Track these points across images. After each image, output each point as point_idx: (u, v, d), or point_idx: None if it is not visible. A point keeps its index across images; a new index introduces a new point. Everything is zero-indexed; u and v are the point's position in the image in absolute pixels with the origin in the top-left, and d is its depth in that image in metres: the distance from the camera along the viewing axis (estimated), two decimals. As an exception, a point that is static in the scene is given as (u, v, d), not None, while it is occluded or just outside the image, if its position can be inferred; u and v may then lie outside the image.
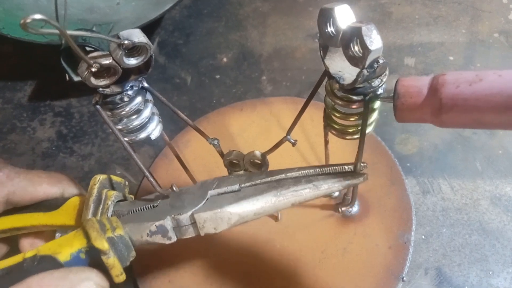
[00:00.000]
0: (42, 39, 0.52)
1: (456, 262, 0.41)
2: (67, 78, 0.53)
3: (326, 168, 0.31)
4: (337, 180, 0.30)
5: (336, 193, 0.44)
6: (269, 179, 0.31)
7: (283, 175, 0.31)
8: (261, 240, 0.43)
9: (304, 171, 0.31)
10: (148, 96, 0.33)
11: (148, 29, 0.58)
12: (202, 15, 0.62)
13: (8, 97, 0.58)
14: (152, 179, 0.31)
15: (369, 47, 0.22)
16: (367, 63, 0.23)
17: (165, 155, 0.50)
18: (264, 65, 0.57)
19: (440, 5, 0.60)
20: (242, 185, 0.31)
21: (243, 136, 0.50)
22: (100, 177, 0.32)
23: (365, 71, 0.24)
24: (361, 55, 0.23)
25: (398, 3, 0.60)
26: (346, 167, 0.30)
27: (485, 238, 0.41)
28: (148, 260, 0.43)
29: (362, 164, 0.30)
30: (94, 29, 0.57)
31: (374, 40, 0.22)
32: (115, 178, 0.33)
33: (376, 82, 0.26)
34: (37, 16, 0.20)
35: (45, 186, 0.33)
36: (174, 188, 0.31)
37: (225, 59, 0.58)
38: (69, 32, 0.23)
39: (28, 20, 0.20)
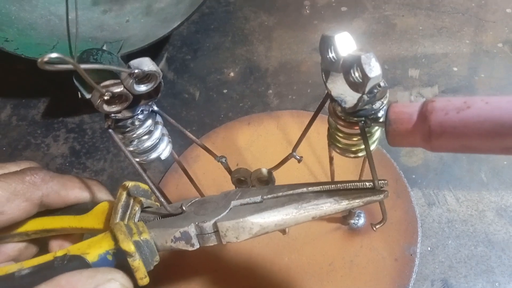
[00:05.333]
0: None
1: (462, 274, 0.41)
2: (80, 95, 0.54)
3: (347, 184, 0.31)
4: (357, 196, 0.30)
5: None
6: (290, 192, 0.32)
7: (304, 189, 0.32)
8: (269, 253, 0.44)
9: (326, 186, 0.31)
10: (158, 118, 0.34)
11: (157, 45, 0.59)
12: (209, 31, 0.64)
13: (23, 114, 0.60)
14: (162, 199, 0.32)
15: (368, 74, 0.23)
16: (367, 89, 0.24)
17: (175, 170, 0.51)
18: (270, 79, 0.58)
19: (444, 16, 0.60)
20: (264, 197, 0.32)
21: (251, 150, 0.51)
22: (129, 184, 0.34)
23: (365, 97, 0.25)
24: (361, 81, 0.24)
25: (402, 14, 0.61)
26: (366, 183, 0.30)
27: (491, 249, 0.42)
28: (155, 273, 0.44)
29: (382, 181, 0.30)
30: (104, 47, 0.58)
31: (373, 68, 0.23)
32: (142, 186, 0.35)
33: (377, 105, 0.27)
34: (53, 55, 0.22)
35: (76, 190, 0.34)
36: (184, 207, 0.32)
37: (232, 74, 0.59)
38: (82, 66, 0.24)
39: (45, 59, 0.21)
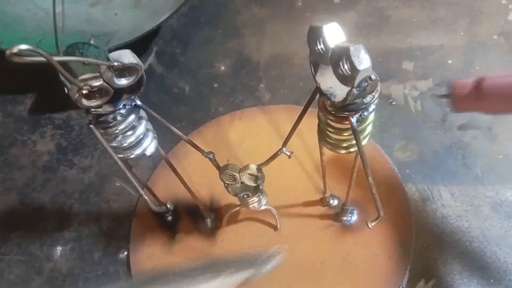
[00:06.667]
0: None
1: (457, 270, 0.40)
2: (66, 91, 0.53)
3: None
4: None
5: (335, 203, 0.44)
6: None
7: None
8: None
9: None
10: (142, 113, 0.33)
11: (146, 38, 0.58)
12: (199, 24, 0.62)
13: (9, 111, 0.58)
14: (146, 198, 0.31)
15: (358, 67, 0.22)
16: (356, 82, 0.23)
17: (164, 166, 0.50)
18: (262, 72, 0.57)
19: (438, 8, 0.59)
20: None
21: (242, 146, 0.50)
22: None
23: (354, 90, 0.24)
24: (350, 74, 0.23)
25: (396, 6, 0.60)
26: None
27: (486, 245, 0.41)
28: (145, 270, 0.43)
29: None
30: (92, 40, 0.57)
31: (363, 60, 0.22)
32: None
33: (368, 99, 0.26)
34: (23, 47, 0.20)
35: None
36: (168, 205, 0.31)
37: (222, 68, 0.58)
38: (55, 58, 0.23)
39: (14, 51, 0.20)
